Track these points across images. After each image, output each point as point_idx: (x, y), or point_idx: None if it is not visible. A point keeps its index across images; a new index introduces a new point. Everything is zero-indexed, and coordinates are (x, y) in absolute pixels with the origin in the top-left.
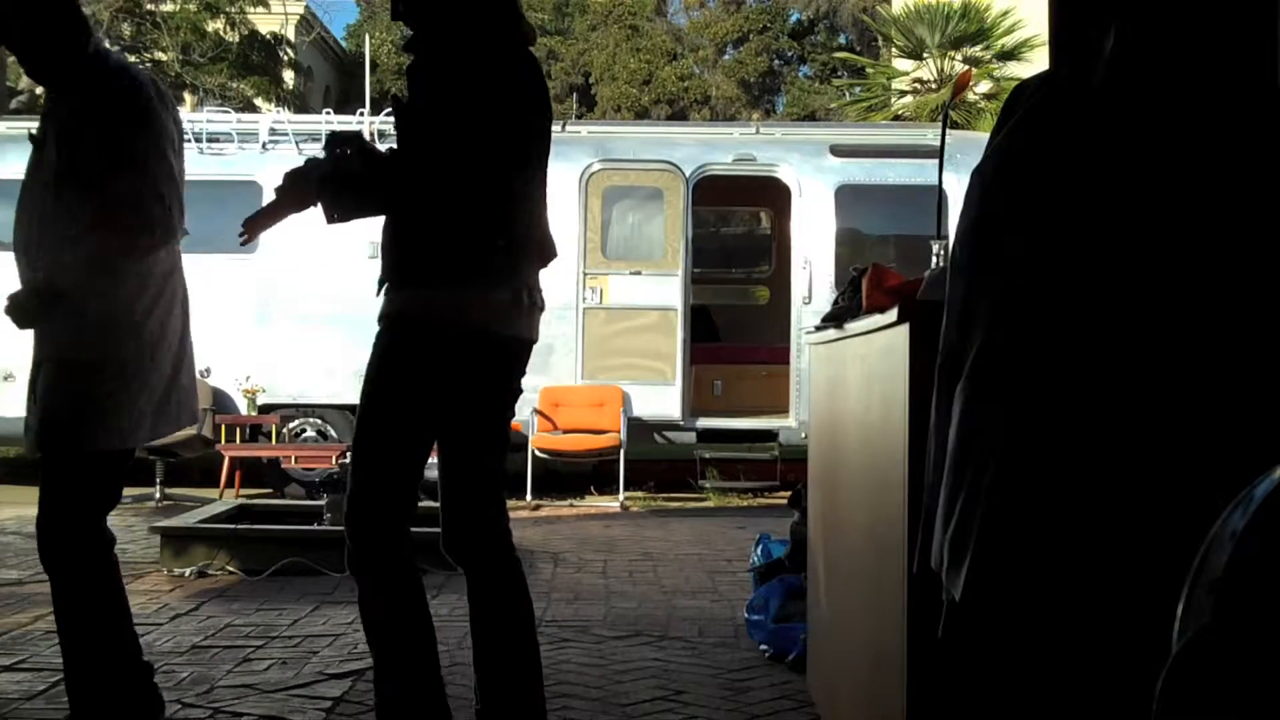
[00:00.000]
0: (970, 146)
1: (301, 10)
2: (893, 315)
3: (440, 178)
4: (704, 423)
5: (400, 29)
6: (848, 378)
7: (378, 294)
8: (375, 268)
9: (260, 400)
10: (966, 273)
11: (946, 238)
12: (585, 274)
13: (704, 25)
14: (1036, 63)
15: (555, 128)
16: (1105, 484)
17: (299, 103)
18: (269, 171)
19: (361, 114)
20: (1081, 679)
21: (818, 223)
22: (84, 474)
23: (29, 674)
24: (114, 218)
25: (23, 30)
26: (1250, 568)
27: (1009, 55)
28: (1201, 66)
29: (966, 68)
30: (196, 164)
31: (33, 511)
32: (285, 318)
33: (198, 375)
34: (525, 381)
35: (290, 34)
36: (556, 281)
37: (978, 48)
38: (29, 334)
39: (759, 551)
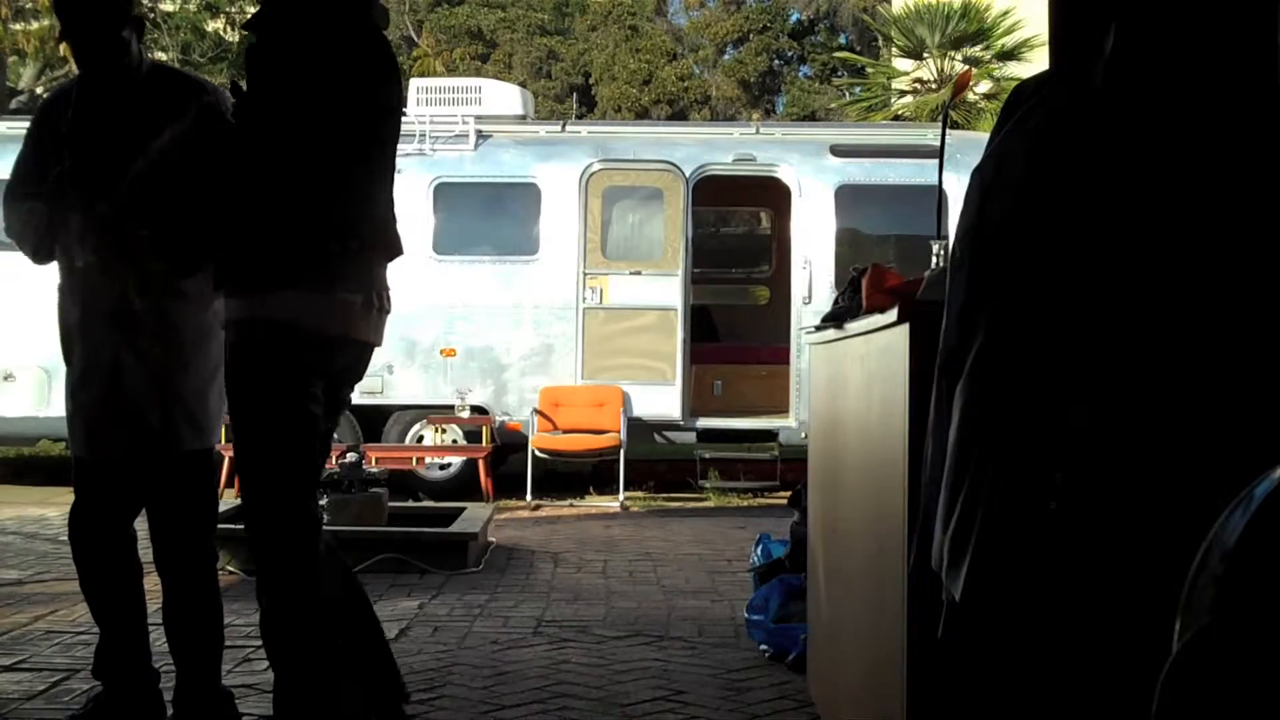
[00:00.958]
0: (970, 146)
1: None
2: (893, 315)
3: (281, 175)
4: (704, 423)
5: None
6: (848, 378)
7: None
8: None
9: None
10: (966, 273)
11: (946, 238)
12: (585, 274)
13: (704, 25)
14: (1036, 63)
15: (555, 128)
16: (1105, 484)
17: None
18: None
19: None
20: (1081, 679)
21: (818, 223)
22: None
23: (29, 674)
24: None
25: None
26: (1250, 568)
27: (1009, 55)
28: (1202, 66)
29: (966, 68)
30: None
31: (32, 512)
32: None
33: None
34: (526, 381)
35: None
36: (556, 281)
37: (978, 48)
38: (29, 335)
39: (759, 551)
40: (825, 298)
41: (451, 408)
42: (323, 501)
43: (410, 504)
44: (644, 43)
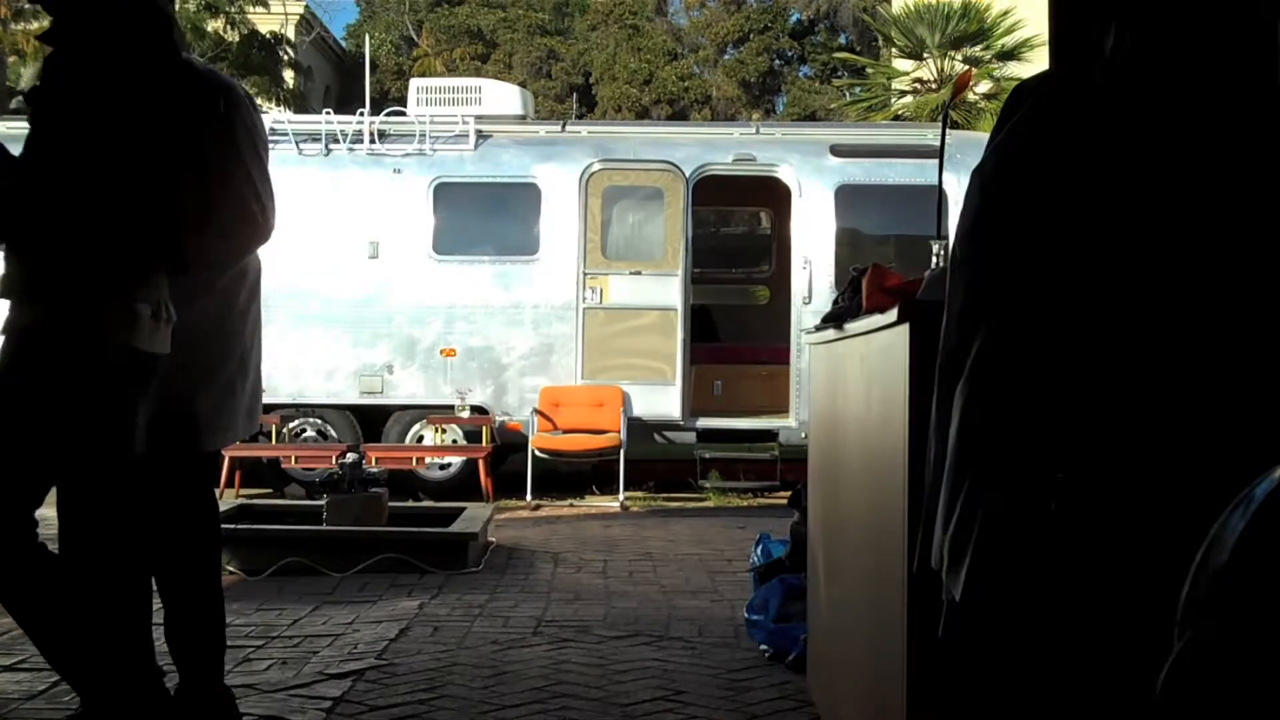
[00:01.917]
0: (970, 146)
1: (301, 10)
2: (893, 315)
3: (74, 189)
4: (704, 423)
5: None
6: (848, 378)
7: None
8: (376, 268)
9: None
10: (966, 272)
11: (946, 238)
12: (585, 274)
13: (704, 25)
14: (1036, 63)
15: (555, 128)
16: (1105, 484)
17: (299, 103)
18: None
19: (361, 114)
20: (1081, 679)
21: (818, 223)
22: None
23: (29, 674)
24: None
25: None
26: (1250, 568)
27: (1009, 55)
28: (1202, 65)
29: (966, 68)
30: None
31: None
32: (285, 317)
33: None
34: (526, 381)
35: (290, 34)
36: (556, 281)
37: (978, 48)
38: None
39: (759, 551)
40: (825, 298)
41: (451, 408)
42: (323, 501)
43: (410, 504)
44: (644, 43)
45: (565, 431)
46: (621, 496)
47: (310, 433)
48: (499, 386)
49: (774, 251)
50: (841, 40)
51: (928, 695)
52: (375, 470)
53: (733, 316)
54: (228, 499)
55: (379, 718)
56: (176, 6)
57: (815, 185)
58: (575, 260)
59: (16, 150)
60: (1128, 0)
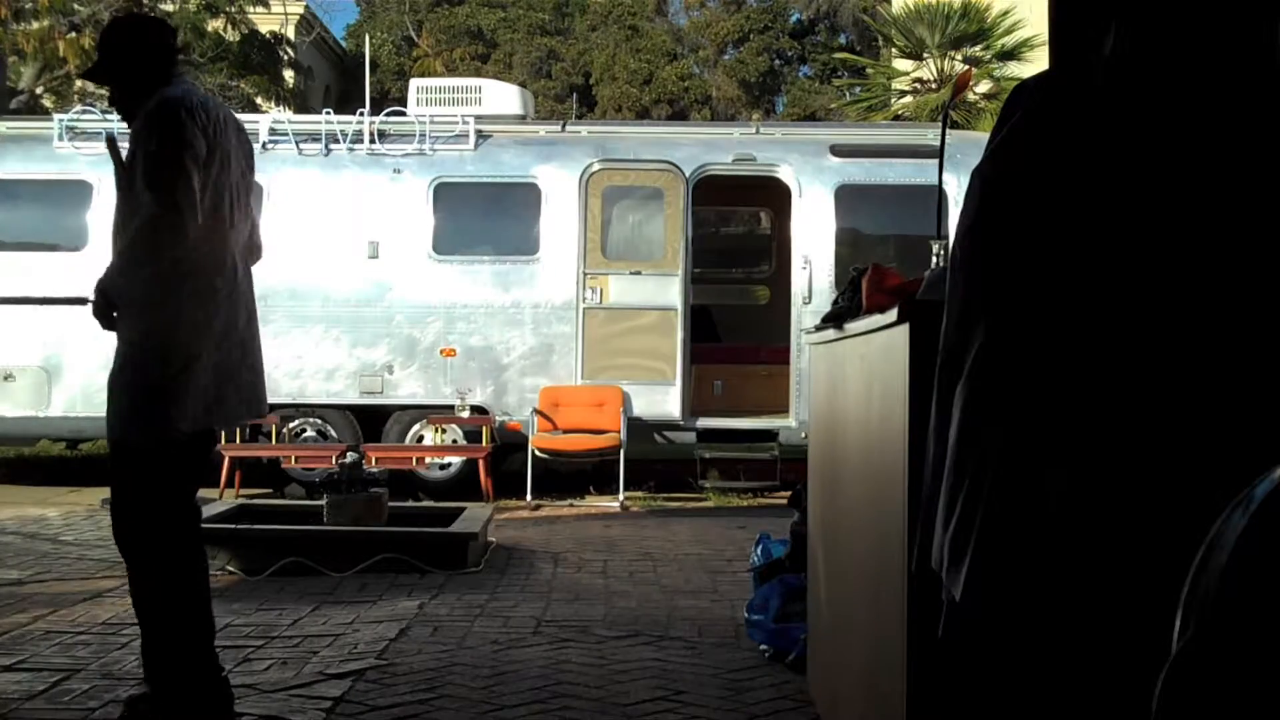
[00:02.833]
0: (970, 146)
1: (301, 10)
2: (893, 315)
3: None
4: (704, 423)
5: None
6: (848, 378)
7: None
8: (376, 268)
9: None
10: (966, 272)
11: (946, 238)
12: (585, 274)
13: (704, 25)
14: (1036, 63)
15: (555, 128)
16: (1105, 484)
17: (299, 103)
18: (269, 171)
19: (361, 114)
20: (1081, 679)
21: (817, 223)
22: (143, 461)
23: (29, 674)
24: (142, 227)
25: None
26: (1250, 568)
27: (1009, 55)
28: (1202, 65)
29: (966, 68)
30: None
31: (32, 512)
32: (285, 317)
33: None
34: (526, 381)
35: (290, 34)
36: (556, 281)
37: (978, 48)
38: (27, 335)
39: (759, 551)
40: (825, 298)
41: (451, 408)
42: (323, 501)
43: (410, 504)
44: (644, 43)
45: (565, 431)
46: (621, 496)
47: (310, 433)
48: (499, 386)
49: (774, 251)
50: (841, 40)
51: (928, 695)
52: (375, 470)
53: (733, 316)
54: (228, 499)
55: (379, 718)
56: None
57: (815, 185)
58: (575, 260)
59: (13, 152)
60: (1127, 0)
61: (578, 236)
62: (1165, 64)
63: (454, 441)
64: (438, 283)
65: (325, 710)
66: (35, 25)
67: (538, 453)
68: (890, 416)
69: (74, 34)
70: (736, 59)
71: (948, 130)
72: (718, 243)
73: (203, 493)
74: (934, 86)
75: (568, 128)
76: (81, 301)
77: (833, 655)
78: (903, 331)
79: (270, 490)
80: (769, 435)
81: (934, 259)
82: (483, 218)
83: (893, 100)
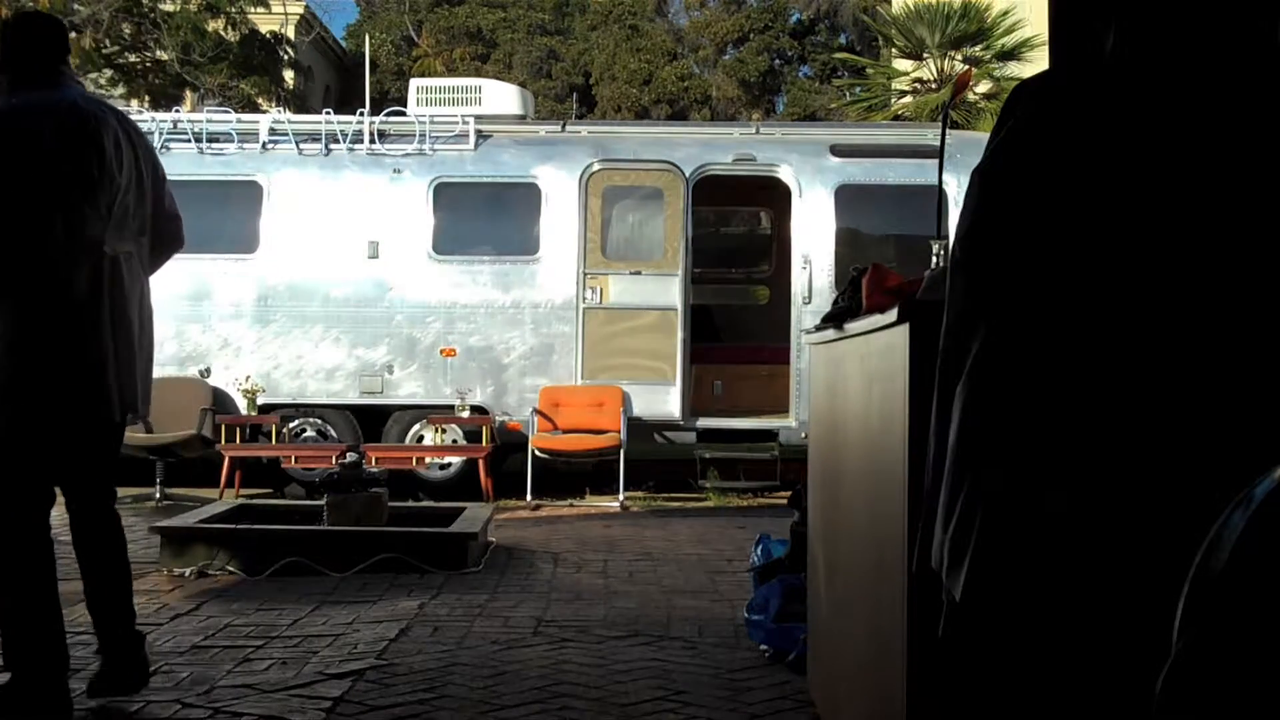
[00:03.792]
0: (970, 146)
1: (301, 10)
2: (893, 315)
3: None
4: (704, 423)
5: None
6: (848, 378)
7: None
8: (376, 268)
9: (260, 400)
10: (966, 272)
11: (946, 238)
12: (585, 274)
13: (704, 25)
14: (1036, 63)
15: (555, 128)
16: (1106, 483)
17: (299, 103)
18: (269, 171)
19: (361, 114)
20: (1081, 679)
21: (817, 223)
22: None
23: None
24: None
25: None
26: (1250, 568)
27: (1009, 55)
28: (1202, 65)
29: (966, 68)
30: (197, 164)
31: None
32: (285, 318)
33: (197, 374)
34: (526, 381)
35: (290, 34)
36: (556, 281)
37: (978, 48)
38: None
39: (759, 551)
40: (825, 298)
41: (451, 408)
42: (323, 501)
43: (410, 504)
44: (644, 43)
45: (565, 431)
46: (621, 496)
47: (310, 433)
48: (499, 386)
49: (774, 251)
50: (841, 40)
51: (928, 695)
52: (375, 470)
53: (733, 316)
54: (228, 499)
55: (379, 718)
56: (178, 7)
57: (815, 185)
58: (575, 260)
59: None
60: (1128, 0)
61: (578, 236)
62: (1165, 64)
63: (454, 441)
64: (438, 283)
65: (325, 710)
66: None
67: (538, 453)
68: (890, 416)
69: (75, 34)
70: (736, 59)
71: (948, 130)
72: (718, 243)
73: (203, 493)
74: (934, 86)
75: (568, 128)
76: None
77: (833, 655)
78: (903, 331)
79: (270, 490)
80: (769, 435)
81: (934, 259)
82: (483, 218)
83: (893, 100)
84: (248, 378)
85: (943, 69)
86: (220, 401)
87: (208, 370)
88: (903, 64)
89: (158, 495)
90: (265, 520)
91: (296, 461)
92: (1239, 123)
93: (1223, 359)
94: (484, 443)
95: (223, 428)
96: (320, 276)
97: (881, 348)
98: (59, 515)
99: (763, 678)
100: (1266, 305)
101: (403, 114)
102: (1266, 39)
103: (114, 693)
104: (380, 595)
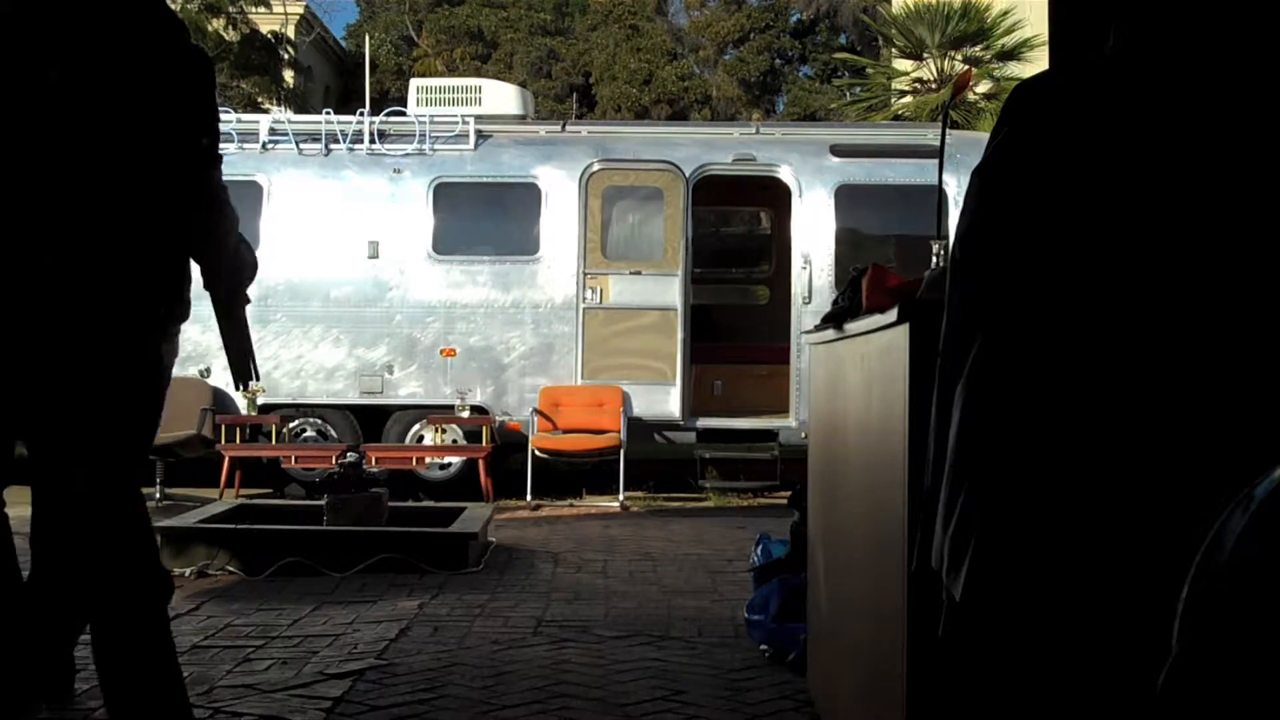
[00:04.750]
0: (970, 146)
1: (301, 10)
2: (893, 315)
3: None
4: (704, 423)
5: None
6: (848, 378)
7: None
8: (376, 268)
9: (260, 400)
10: (966, 272)
11: (946, 238)
12: (585, 274)
13: (704, 25)
14: (1036, 63)
15: (555, 128)
16: (1106, 484)
17: (299, 103)
18: (269, 171)
19: (361, 114)
20: (1081, 679)
21: (817, 223)
22: None
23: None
24: None
25: None
26: (1250, 568)
27: (1009, 55)
28: (1202, 65)
29: (966, 68)
30: None
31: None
32: (285, 317)
33: (197, 374)
34: (526, 381)
35: (290, 34)
36: (556, 281)
37: (978, 48)
38: None
39: (759, 551)
40: (825, 298)
41: (451, 408)
42: (323, 501)
43: (410, 504)
44: (644, 42)
45: (565, 431)
46: (621, 496)
47: (310, 433)
48: (499, 386)
49: (774, 251)
50: (842, 40)
51: (928, 695)
52: (375, 470)
53: (733, 316)
54: (228, 499)
55: (379, 718)
56: (179, 6)
57: (815, 185)
58: (575, 260)
59: None
60: (1128, 0)
61: (578, 236)
62: (1165, 64)
63: (454, 441)
64: (438, 283)
65: (325, 710)
66: None
67: (538, 453)
68: (890, 416)
69: None
70: (737, 59)
71: (948, 130)
72: (718, 243)
73: (203, 493)
74: (934, 86)
75: (568, 128)
76: None
77: (833, 655)
78: (903, 331)
79: (270, 490)
80: (769, 435)
81: (934, 259)
82: (483, 218)
83: (893, 100)
84: None
85: (943, 69)
86: (220, 401)
87: (208, 370)
88: (903, 64)
89: (158, 495)
90: (265, 520)
91: (296, 461)
92: (1239, 123)
93: (1222, 358)
94: (484, 443)
95: (223, 428)
96: (320, 276)
97: (881, 348)
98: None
99: (763, 678)
100: (1265, 306)
101: (403, 114)
102: (1267, 39)
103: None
104: (380, 595)
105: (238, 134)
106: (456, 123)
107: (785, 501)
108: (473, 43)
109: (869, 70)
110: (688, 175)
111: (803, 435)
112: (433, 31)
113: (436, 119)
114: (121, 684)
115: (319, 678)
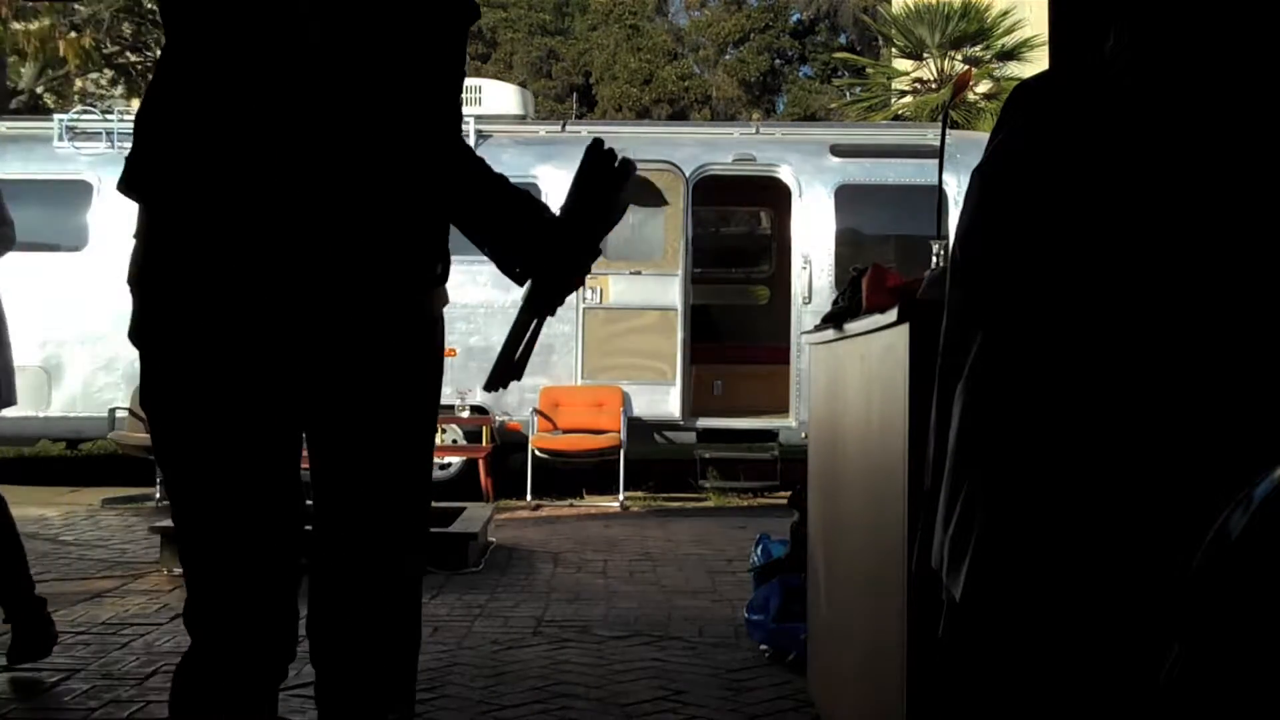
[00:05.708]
0: (970, 146)
1: None
2: (893, 315)
3: None
4: (704, 423)
5: None
6: (848, 378)
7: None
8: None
9: None
10: (966, 272)
11: (946, 238)
12: None
13: (705, 25)
14: (1036, 63)
15: (555, 128)
16: (1105, 484)
17: None
18: None
19: None
20: (1081, 679)
21: (818, 223)
22: None
23: (29, 674)
24: None
25: None
26: (1250, 568)
27: (1009, 55)
28: (1202, 66)
29: (966, 68)
30: None
31: (32, 512)
32: None
33: None
34: (526, 381)
35: None
36: None
37: (978, 48)
38: (26, 335)
39: (759, 551)
40: (825, 298)
41: (451, 408)
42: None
43: None
44: (644, 42)
45: (565, 431)
46: (621, 496)
47: None
48: None
49: (774, 251)
50: (842, 40)
51: (928, 695)
52: None
53: (733, 316)
54: None
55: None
56: None
57: (815, 185)
58: None
59: (16, 151)
60: (1128, 0)
61: None
62: (1165, 64)
63: (454, 441)
64: None
65: None
66: (35, 25)
67: (538, 453)
68: (890, 416)
69: (74, 34)
70: (737, 59)
71: (948, 130)
72: (718, 243)
73: None
74: (934, 86)
75: (568, 128)
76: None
77: (833, 655)
78: (903, 331)
79: None
80: (769, 435)
81: (934, 259)
82: None
83: (893, 100)
84: None
85: (943, 69)
86: None
87: None
88: (903, 64)
89: (158, 495)
90: None
91: None
92: (1239, 124)
93: (1222, 358)
94: (484, 443)
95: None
96: None
97: (881, 348)
98: (56, 515)
99: (763, 678)
100: (1265, 306)
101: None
102: (1267, 40)
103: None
104: None
105: None
106: None
107: (785, 501)
108: (472, 42)
109: (869, 70)
110: (688, 175)
111: (803, 435)
112: None
113: None
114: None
115: None
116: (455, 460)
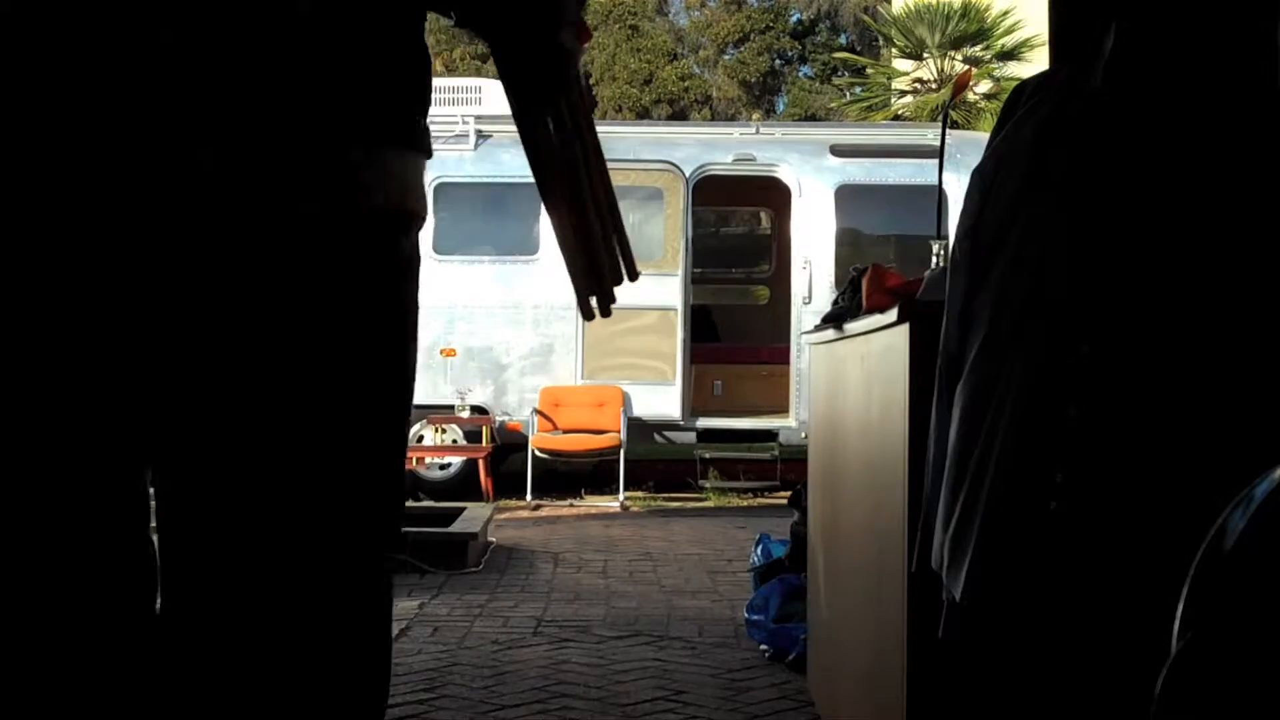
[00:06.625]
0: (970, 146)
1: None
2: (893, 315)
3: None
4: (704, 423)
5: None
6: (848, 378)
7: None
8: None
9: None
10: (966, 272)
11: (946, 238)
12: None
13: (705, 25)
14: (1036, 63)
15: None
16: (1105, 483)
17: None
18: None
19: None
20: (1081, 679)
21: (818, 223)
22: None
23: None
24: None
25: None
26: (1250, 568)
27: (1009, 55)
28: (1202, 66)
29: (966, 68)
30: None
31: None
32: None
33: None
34: (526, 381)
35: None
36: (556, 281)
37: (978, 48)
38: None
39: (759, 551)
40: (825, 298)
41: (451, 408)
42: None
43: (410, 504)
44: (645, 43)
45: (565, 431)
46: (621, 496)
47: None
48: (499, 386)
49: (774, 251)
50: (842, 40)
51: (928, 695)
52: None
53: (733, 316)
54: None
55: None
56: None
57: (815, 185)
58: None
59: None
60: (1128, 0)
61: None
62: (1165, 64)
63: (454, 441)
64: (438, 283)
65: None
66: None
67: (538, 453)
68: (890, 417)
69: None
70: (737, 59)
71: (948, 130)
72: (718, 243)
73: None
74: (934, 86)
75: None
76: None
77: (833, 655)
78: (903, 331)
79: None
80: (769, 435)
81: (934, 259)
82: (483, 218)
83: (893, 100)
84: None
85: (943, 69)
86: None
87: None
88: (903, 64)
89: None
90: None
91: None
92: (1239, 126)
93: (1222, 358)
94: (484, 443)
95: None
96: None
97: (881, 348)
98: None
99: (763, 678)
100: (1264, 308)
101: None
102: (1266, 40)
103: None
104: None
105: None
106: (456, 123)
107: (785, 501)
108: (473, 43)
109: (869, 70)
110: (688, 175)
111: (803, 435)
112: (433, 31)
113: (436, 119)
114: None
115: None
116: (455, 460)
